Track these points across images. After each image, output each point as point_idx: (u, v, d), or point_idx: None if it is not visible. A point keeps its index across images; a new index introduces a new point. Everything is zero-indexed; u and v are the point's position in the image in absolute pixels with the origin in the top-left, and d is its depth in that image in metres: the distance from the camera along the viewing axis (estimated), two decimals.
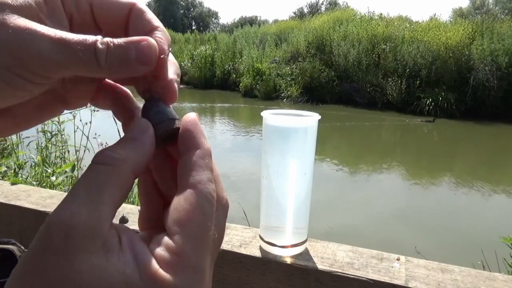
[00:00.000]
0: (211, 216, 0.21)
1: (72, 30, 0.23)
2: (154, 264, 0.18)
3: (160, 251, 0.19)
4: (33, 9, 0.20)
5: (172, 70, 0.25)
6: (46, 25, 0.21)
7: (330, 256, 0.57)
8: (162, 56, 0.23)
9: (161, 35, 0.24)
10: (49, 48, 0.19)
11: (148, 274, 0.18)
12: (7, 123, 0.24)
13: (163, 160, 0.25)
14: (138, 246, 0.19)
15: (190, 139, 0.23)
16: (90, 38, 0.21)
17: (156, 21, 0.24)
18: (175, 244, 0.19)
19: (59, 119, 2.77)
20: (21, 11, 0.20)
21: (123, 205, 0.78)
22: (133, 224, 0.69)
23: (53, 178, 2.12)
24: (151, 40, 0.22)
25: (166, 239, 0.20)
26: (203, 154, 0.23)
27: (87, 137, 2.61)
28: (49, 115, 0.26)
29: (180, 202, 0.21)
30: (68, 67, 0.20)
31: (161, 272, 0.18)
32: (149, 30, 0.24)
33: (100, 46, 0.20)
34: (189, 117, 0.24)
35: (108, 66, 0.21)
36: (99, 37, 0.21)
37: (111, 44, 0.21)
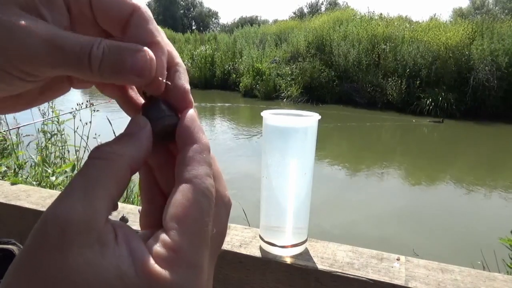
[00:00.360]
0: (208, 212, 0.21)
1: (70, 21, 0.22)
2: (150, 260, 0.18)
3: (156, 247, 0.19)
4: (32, 2, 0.20)
5: (186, 78, 0.25)
6: (43, 16, 0.20)
7: (330, 256, 0.58)
8: (160, 79, 0.22)
9: (162, 57, 0.23)
10: (41, 48, 0.19)
11: (143, 270, 0.18)
12: (13, 102, 0.24)
13: (164, 158, 0.25)
14: (134, 242, 0.19)
15: (188, 134, 0.23)
16: (85, 41, 0.20)
17: (157, 35, 0.23)
18: (171, 240, 0.19)
19: (59, 119, 2.77)
20: (18, 2, 0.19)
21: (123, 205, 0.78)
22: (133, 224, 0.69)
23: (53, 178, 2.12)
24: (150, 53, 0.21)
25: (162, 235, 0.20)
26: (201, 149, 0.23)
27: (87, 137, 2.61)
28: (56, 93, 0.26)
29: (176, 197, 0.21)
30: (59, 68, 0.20)
31: (157, 268, 0.18)
32: (149, 43, 0.22)
33: (95, 52, 0.20)
34: (187, 113, 0.24)
35: (101, 72, 0.20)
36: (96, 41, 0.20)
37: (107, 50, 0.20)
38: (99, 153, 0.20)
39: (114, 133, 2.22)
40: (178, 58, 0.25)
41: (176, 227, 0.20)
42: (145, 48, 0.21)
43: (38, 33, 0.19)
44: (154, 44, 0.23)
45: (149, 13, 0.23)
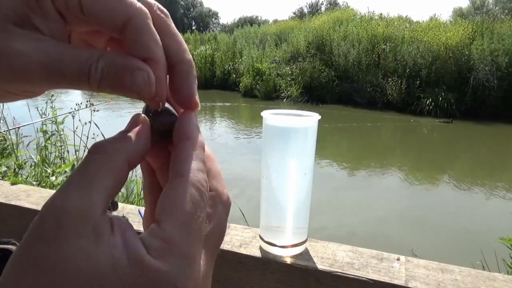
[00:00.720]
0: (200, 205, 0.21)
1: (67, 24, 0.22)
2: (142, 249, 0.19)
3: (148, 238, 0.19)
4: (24, 13, 0.20)
5: (191, 78, 0.24)
6: (38, 28, 0.20)
7: (330, 256, 0.57)
8: (157, 99, 0.23)
9: (162, 76, 0.23)
10: (39, 72, 0.19)
11: (135, 260, 0.18)
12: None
13: (165, 160, 0.26)
14: (128, 233, 0.19)
15: (183, 131, 0.24)
16: (83, 60, 0.20)
17: (155, 49, 0.22)
18: (162, 231, 0.19)
19: (56, 120, 2.77)
20: (11, 17, 0.19)
21: (123, 205, 0.78)
22: (133, 224, 0.69)
23: (53, 178, 2.12)
24: (149, 72, 0.21)
25: (154, 226, 0.20)
26: (194, 145, 0.23)
27: (87, 137, 2.61)
28: None
29: (167, 191, 0.21)
30: (57, 87, 0.20)
31: (148, 257, 0.18)
32: (146, 58, 0.22)
33: (94, 72, 0.20)
34: (185, 112, 0.25)
35: (100, 89, 0.21)
36: (94, 60, 0.20)
37: (106, 69, 0.20)
38: (97, 148, 0.21)
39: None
40: (184, 53, 0.24)
41: (167, 218, 0.20)
42: (144, 66, 0.21)
43: (35, 56, 0.19)
44: (152, 61, 0.22)
45: (146, 19, 0.22)
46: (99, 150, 0.20)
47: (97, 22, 0.21)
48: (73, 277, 0.16)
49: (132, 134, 0.22)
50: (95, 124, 2.38)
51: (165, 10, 0.23)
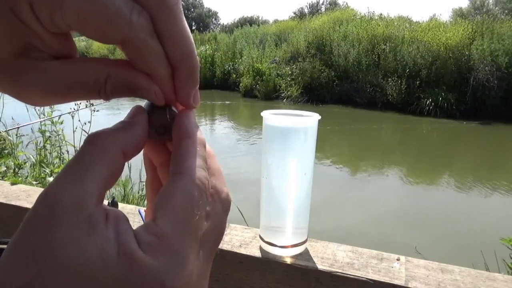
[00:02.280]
0: (198, 202, 0.21)
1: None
2: (133, 243, 0.18)
3: (142, 232, 0.19)
4: (25, 43, 0.20)
5: (190, 83, 0.24)
6: (41, 49, 0.20)
7: (330, 256, 0.57)
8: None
9: (169, 90, 0.23)
10: (49, 98, 0.21)
11: (125, 253, 0.18)
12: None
13: (166, 157, 0.26)
14: (122, 226, 0.19)
15: (182, 128, 0.24)
16: (91, 84, 0.21)
17: (156, 65, 0.22)
18: (156, 226, 0.19)
19: (53, 120, 2.78)
20: (14, 52, 0.20)
21: (123, 205, 0.78)
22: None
23: (50, 179, 2.12)
24: (157, 91, 0.22)
25: (150, 222, 0.20)
26: (194, 142, 0.23)
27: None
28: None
29: (166, 187, 0.21)
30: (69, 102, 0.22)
31: (139, 252, 0.18)
32: (150, 75, 0.22)
33: (103, 92, 0.21)
34: (184, 110, 0.25)
35: (109, 100, 0.23)
36: (101, 81, 0.21)
37: (115, 88, 0.22)
38: (92, 137, 0.21)
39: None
40: (184, 60, 0.22)
41: (162, 215, 0.20)
42: (150, 86, 0.22)
43: (44, 87, 0.20)
44: (155, 76, 0.22)
45: (144, 38, 0.20)
46: (93, 140, 0.20)
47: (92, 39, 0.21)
48: (63, 266, 0.16)
49: (128, 124, 0.22)
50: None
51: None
